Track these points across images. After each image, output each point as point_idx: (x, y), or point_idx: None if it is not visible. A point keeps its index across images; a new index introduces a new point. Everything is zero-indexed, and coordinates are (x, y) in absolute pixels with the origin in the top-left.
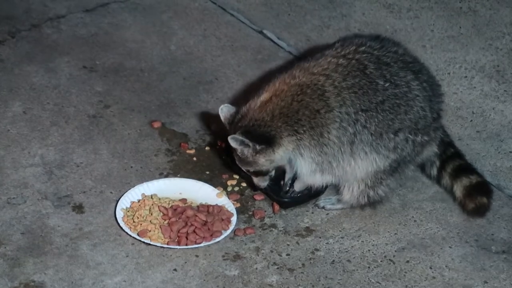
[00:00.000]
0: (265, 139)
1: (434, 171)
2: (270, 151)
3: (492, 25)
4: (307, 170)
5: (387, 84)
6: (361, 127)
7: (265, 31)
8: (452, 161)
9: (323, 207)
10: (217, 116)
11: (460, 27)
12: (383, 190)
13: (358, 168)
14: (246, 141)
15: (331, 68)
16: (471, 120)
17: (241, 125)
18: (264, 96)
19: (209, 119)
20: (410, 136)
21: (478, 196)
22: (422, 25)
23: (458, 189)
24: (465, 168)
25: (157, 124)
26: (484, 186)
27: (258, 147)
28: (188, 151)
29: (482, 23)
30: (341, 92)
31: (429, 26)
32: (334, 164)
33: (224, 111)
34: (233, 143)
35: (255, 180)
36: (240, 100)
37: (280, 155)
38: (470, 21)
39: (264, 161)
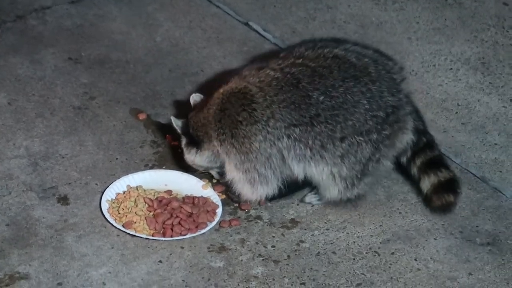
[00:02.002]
0: (193, 140)
1: (404, 160)
2: (194, 151)
3: (477, 17)
4: (232, 176)
5: (321, 98)
6: (295, 142)
7: (250, 23)
8: (423, 154)
9: (310, 203)
10: None
11: (446, 19)
12: (361, 189)
13: (314, 174)
14: (178, 130)
15: (267, 81)
16: (456, 112)
17: (190, 115)
18: (208, 99)
19: None
20: (361, 138)
21: (445, 194)
22: (407, 17)
23: (425, 185)
24: (434, 162)
25: (142, 116)
26: (452, 183)
27: (184, 140)
28: (173, 143)
29: (467, 15)
30: (271, 105)
31: (415, 18)
32: (267, 172)
33: (194, 99)
34: (172, 122)
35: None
36: None
37: (202, 159)
38: (455, 13)
39: (187, 155)
